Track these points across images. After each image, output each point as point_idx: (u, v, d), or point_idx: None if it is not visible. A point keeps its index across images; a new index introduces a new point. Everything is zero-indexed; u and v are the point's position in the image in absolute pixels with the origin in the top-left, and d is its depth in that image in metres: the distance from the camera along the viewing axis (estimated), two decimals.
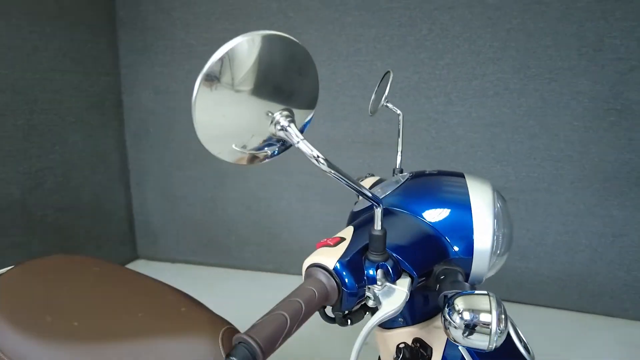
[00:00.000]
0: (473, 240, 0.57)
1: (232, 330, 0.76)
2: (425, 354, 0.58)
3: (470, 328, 0.43)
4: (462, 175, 0.65)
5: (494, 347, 0.43)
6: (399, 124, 0.94)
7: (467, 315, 0.43)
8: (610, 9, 1.87)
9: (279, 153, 0.52)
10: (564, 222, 2.07)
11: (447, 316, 0.45)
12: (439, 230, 0.58)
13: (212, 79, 0.41)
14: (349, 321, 0.53)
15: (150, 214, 2.71)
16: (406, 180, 0.66)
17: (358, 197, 0.92)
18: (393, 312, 0.48)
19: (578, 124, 1.97)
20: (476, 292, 0.46)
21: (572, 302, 2.13)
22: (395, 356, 0.61)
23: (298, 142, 0.46)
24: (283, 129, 0.46)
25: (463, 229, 0.57)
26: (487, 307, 0.43)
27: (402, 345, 0.60)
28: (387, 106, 0.95)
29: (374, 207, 0.50)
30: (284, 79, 0.47)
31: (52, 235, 2.20)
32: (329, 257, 0.50)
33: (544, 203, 2.08)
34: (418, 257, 0.54)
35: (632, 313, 2.06)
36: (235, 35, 0.41)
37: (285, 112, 0.47)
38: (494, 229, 0.57)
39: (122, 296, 0.84)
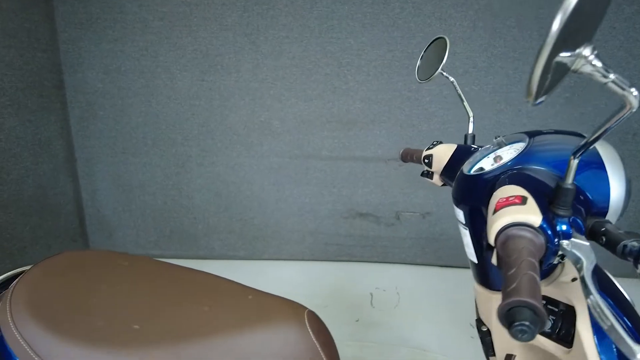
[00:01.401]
0: (609, 195, 0.57)
1: (312, 313, 0.72)
2: (555, 310, 0.58)
3: None
4: (581, 135, 0.65)
5: None
6: (456, 89, 0.93)
7: None
8: None
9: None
10: None
11: None
12: (579, 187, 0.58)
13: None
14: None
15: (103, 206, 2.47)
16: (531, 139, 0.64)
17: (425, 162, 0.89)
18: (592, 266, 0.47)
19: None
20: None
21: None
22: None
23: (607, 79, 0.43)
24: (592, 65, 0.42)
25: (600, 185, 0.58)
26: None
27: None
28: (442, 73, 0.93)
29: (571, 158, 0.48)
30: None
31: None
32: (530, 214, 0.47)
33: None
34: (581, 212, 0.53)
35: None
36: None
37: (592, 45, 0.42)
38: (626, 184, 0.58)
39: (174, 291, 0.75)
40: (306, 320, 0.69)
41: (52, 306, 0.68)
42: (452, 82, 0.94)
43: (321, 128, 2.25)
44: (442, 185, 0.90)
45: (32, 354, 0.62)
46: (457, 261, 2.37)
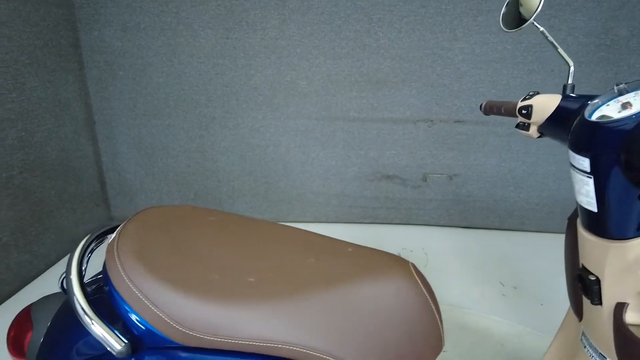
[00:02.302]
0: None
1: (414, 265, 0.71)
2: None
3: None
4: None
5: None
6: (548, 38, 0.89)
7: None
8: None
9: None
10: (554, 152, 2.23)
11: None
12: None
13: None
14: None
15: (124, 170, 2.43)
16: None
17: (523, 113, 0.85)
18: None
19: (572, 59, 2.08)
20: None
21: (555, 225, 2.36)
22: None
23: None
24: None
25: None
26: None
27: None
28: (533, 23, 0.89)
29: None
30: None
31: (21, 200, 1.87)
32: None
33: None
34: None
35: None
36: None
37: None
38: None
39: (274, 245, 0.74)
40: (414, 273, 0.69)
41: (160, 258, 0.66)
42: (541, 32, 0.90)
43: (349, 88, 2.20)
44: (538, 137, 0.88)
45: (147, 303, 0.60)
46: (481, 222, 2.40)
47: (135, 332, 0.63)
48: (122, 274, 0.62)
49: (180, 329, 0.59)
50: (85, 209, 2.31)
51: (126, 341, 0.59)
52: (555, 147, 2.21)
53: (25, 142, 1.89)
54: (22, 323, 0.77)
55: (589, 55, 2.07)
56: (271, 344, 0.59)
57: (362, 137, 2.29)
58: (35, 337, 0.75)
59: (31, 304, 0.80)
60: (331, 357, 0.61)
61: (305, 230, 0.81)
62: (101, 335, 0.59)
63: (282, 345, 0.59)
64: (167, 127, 2.33)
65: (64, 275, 0.76)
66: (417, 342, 0.66)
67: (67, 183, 2.16)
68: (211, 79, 2.22)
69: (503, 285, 1.94)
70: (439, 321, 0.68)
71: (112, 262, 0.65)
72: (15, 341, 0.77)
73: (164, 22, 2.13)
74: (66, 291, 0.77)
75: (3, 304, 1.75)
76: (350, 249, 0.74)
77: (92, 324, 0.60)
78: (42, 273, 2.00)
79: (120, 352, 0.59)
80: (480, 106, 1.04)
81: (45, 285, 1.92)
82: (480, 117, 2.21)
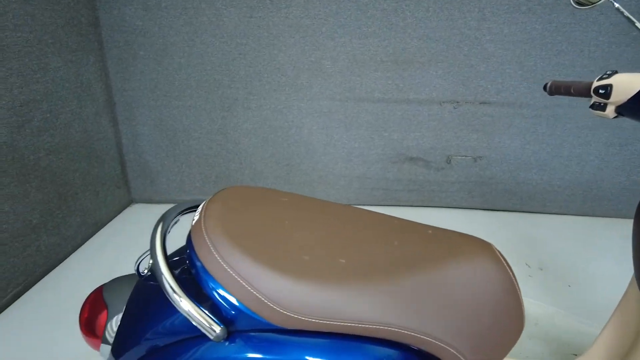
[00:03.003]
0: None
1: (495, 247, 0.71)
2: None
3: None
4: None
5: None
6: (623, 13, 0.87)
7: None
8: None
9: None
10: (578, 134, 2.22)
11: None
12: None
13: None
14: None
15: (145, 152, 2.40)
16: None
17: (600, 93, 0.83)
18: None
19: (603, 39, 2.05)
20: None
21: (577, 208, 2.37)
22: None
23: None
24: None
25: None
26: None
27: None
28: (611, 1, 0.86)
29: None
30: None
31: (48, 182, 1.86)
32: None
33: (564, 117, 2.20)
34: None
35: (626, 212, 2.35)
36: None
37: None
38: None
39: (353, 227, 0.73)
40: (500, 256, 0.68)
41: (249, 238, 0.65)
42: (617, 8, 0.88)
43: (375, 68, 2.17)
44: (614, 118, 0.87)
45: (244, 284, 0.60)
46: (503, 205, 2.40)
47: (226, 315, 0.62)
48: (215, 254, 0.62)
49: (279, 310, 0.59)
50: (107, 192, 2.29)
51: (222, 325, 0.59)
52: (582, 129, 2.20)
53: (50, 123, 1.86)
54: (95, 305, 0.77)
55: (620, 36, 2.04)
56: (369, 325, 0.59)
57: (386, 119, 2.27)
58: (111, 319, 0.75)
59: (102, 286, 0.80)
60: (429, 337, 0.61)
61: (379, 213, 0.80)
62: (198, 319, 0.58)
63: (379, 326, 0.59)
64: (188, 108, 2.30)
65: (141, 257, 0.76)
66: (502, 322, 0.67)
67: (90, 165, 2.14)
68: (234, 59, 2.18)
69: (529, 266, 1.95)
70: (522, 302, 0.68)
71: (201, 243, 0.64)
72: (88, 323, 0.77)
73: (186, 1, 2.08)
74: (141, 274, 0.77)
75: (36, 285, 1.76)
76: (430, 231, 0.74)
77: (186, 306, 0.59)
78: (69, 255, 2.00)
79: (217, 336, 0.58)
80: (545, 86, 1.02)
81: (74, 267, 1.92)
82: (506, 98, 2.18)
